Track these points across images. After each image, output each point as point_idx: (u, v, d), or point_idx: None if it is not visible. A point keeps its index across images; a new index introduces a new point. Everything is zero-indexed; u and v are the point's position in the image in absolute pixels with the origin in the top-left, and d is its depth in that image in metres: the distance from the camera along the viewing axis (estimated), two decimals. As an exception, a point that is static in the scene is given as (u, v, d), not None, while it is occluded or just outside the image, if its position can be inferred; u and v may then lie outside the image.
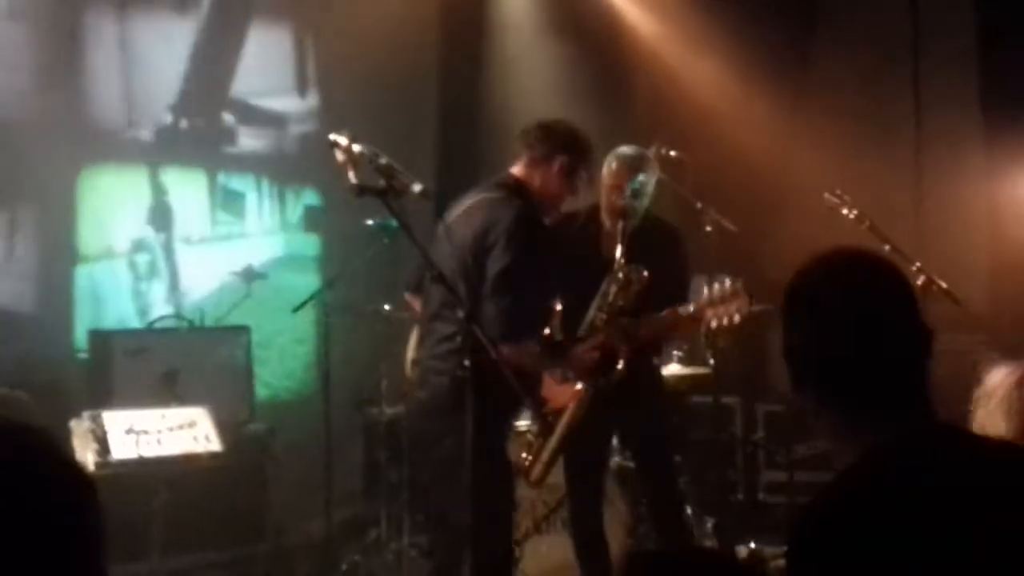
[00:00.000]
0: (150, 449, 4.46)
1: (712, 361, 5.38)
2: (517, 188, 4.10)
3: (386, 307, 5.76)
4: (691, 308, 4.29)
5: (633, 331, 4.33)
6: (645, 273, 4.33)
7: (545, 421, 3.84)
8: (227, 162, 6.91)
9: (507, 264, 3.86)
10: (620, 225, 4.41)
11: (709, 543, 5.36)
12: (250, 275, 6.42)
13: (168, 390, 5.29)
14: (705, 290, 4.23)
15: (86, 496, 1.43)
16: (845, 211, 5.38)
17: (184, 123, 6.64)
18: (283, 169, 7.12)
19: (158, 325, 6.00)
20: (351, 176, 3.56)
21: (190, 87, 6.62)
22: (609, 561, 4.67)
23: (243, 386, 5.90)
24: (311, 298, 5.95)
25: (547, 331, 4.14)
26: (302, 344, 6.97)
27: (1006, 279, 6.53)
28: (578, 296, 4.44)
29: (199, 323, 6.10)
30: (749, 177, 6.49)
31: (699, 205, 5.33)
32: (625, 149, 4.66)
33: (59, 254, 6.17)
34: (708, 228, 5.30)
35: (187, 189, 6.70)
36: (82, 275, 6.23)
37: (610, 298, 4.35)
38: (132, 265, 6.42)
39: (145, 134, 6.50)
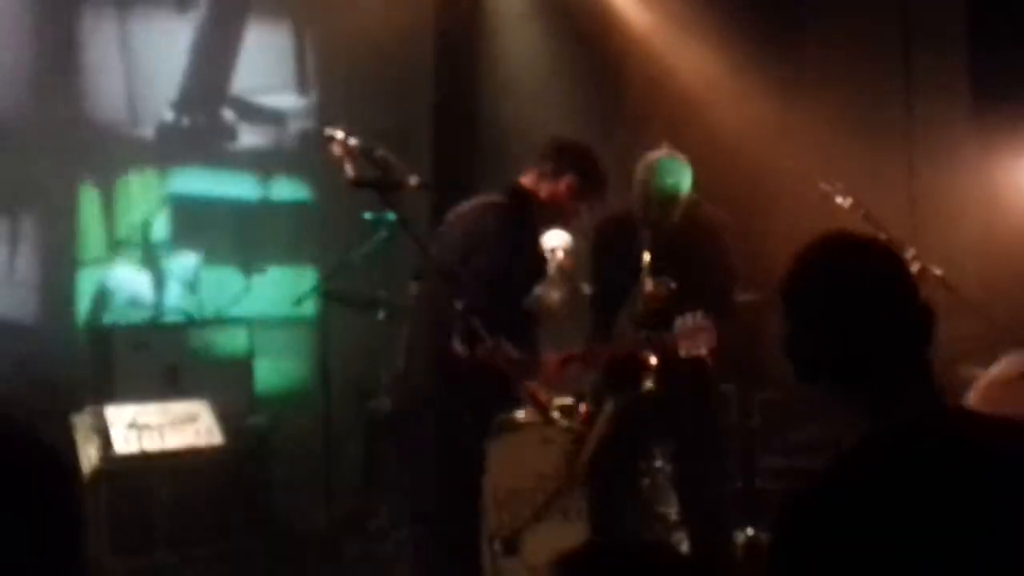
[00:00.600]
0: (152, 443, 4.51)
1: None
2: (522, 196, 4.14)
3: (385, 299, 5.79)
4: (664, 337, 4.29)
5: (660, 343, 4.35)
6: (673, 285, 4.32)
7: (542, 407, 3.87)
8: (227, 159, 6.94)
9: (488, 266, 3.90)
10: (648, 235, 4.44)
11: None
12: (249, 269, 6.45)
13: (169, 384, 5.33)
14: (679, 321, 4.23)
15: (62, 480, 1.44)
16: (839, 200, 5.39)
17: (185, 120, 6.67)
18: (282, 165, 7.14)
19: (159, 320, 6.03)
20: (348, 169, 3.59)
21: (190, 84, 6.65)
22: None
23: (244, 379, 5.93)
24: (311, 291, 6.00)
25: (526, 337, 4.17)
26: (302, 337, 7.00)
27: (1000, 266, 6.54)
28: (616, 302, 4.53)
29: (199, 317, 6.13)
30: (742, 167, 6.51)
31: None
32: (653, 155, 4.63)
33: (61, 251, 6.20)
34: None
35: (186, 186, 6.73)
36: (84, 271, 6.26)
37: (638, 310, 4.38)
38: (133, 260, 6.45)
39: (146, 132, 6.53)
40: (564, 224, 4.35)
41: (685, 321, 4.20)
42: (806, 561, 1.76)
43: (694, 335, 4.18)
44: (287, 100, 7.23)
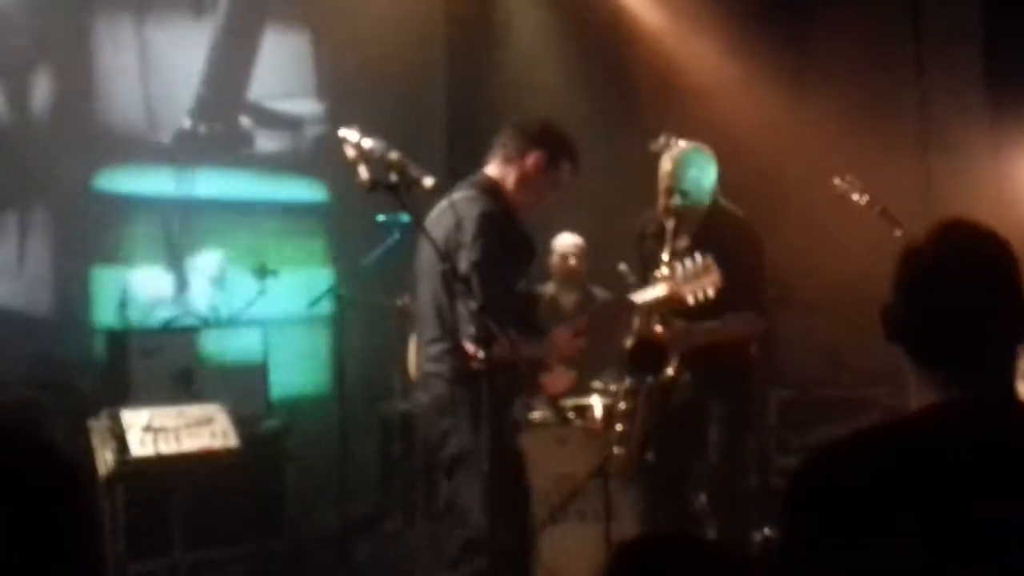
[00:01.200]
0: (168, 446, 4.50)
1: None
2: (489, 187, 4.07)
3: (399, 302, 5.79)
4: (664, 289, 4.27)
5: (685, 334, 4.35)
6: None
7: (559, 411, 3.86)
8: (242, 162, 6.96)
9: (474, 260, 3.85)
10: (671, 225, 4.44)
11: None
12: (263, 272, 6.45)
13: (184, 388, 5.33)
14: (679, 268, 4.23)
15: (80, 485, 1.44)
16: (855, 196, 5.38)
17: (202, 127, 6.70)
18: (296, 167, 7.16)
19: (173, 324, 6.04)
20: (362, 171, 3.58)
21: (207, 91, 6.68)
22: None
23: (258, 382, 5.94)
24: (325, 294, 6.00)
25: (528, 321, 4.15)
26: (316, 340, 7.00)
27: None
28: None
29: (214, 321, 6.14)
30: (753, 163, 6.49)
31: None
32: (678, 148, 4.63)
33: (75, 256, 6.22)
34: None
35: (204, 190, 6.75)
36: (98, 276, 6.27)
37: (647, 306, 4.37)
38: (148, 265, 6.46)
39: (163, 137, 6.56)
40: (542, 200, 4.24)
41: (686, 265, 4.17)
42: (820, 507, 1.76)
43: (700, 277, 4.15)
44: (301, 105, 7.25)
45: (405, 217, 4.61)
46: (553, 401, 3.78)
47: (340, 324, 5.94)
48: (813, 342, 6.58)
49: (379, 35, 7.05)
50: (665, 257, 4.40)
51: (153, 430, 4.52)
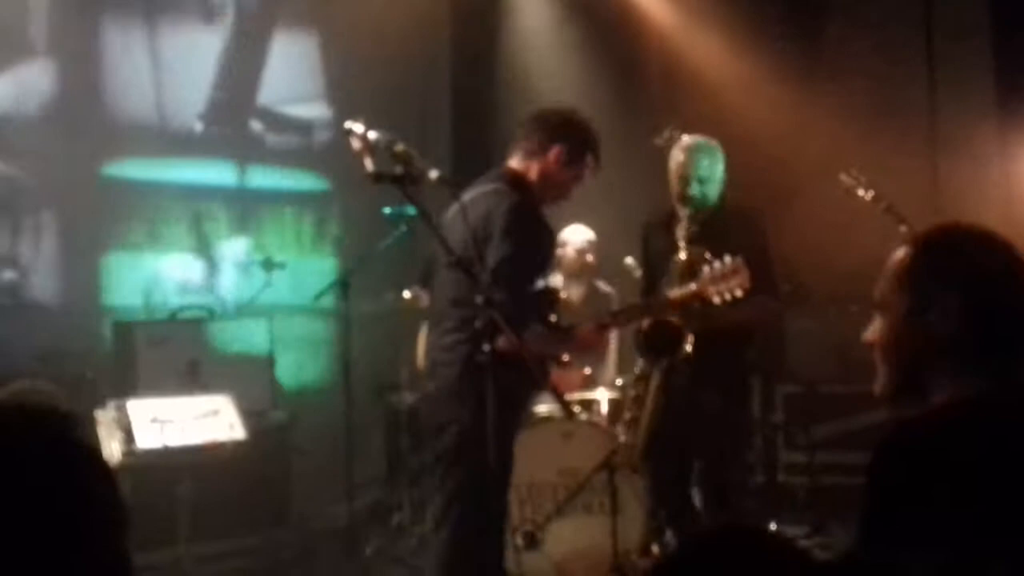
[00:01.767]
0: (175, 437, 4.50)
1: None
2: (513, 181, 4.04)
3: (405, 294, 5.78)
4: (693, 287, 4.28)
5: (700, 313, 4.35)
6: (708, 253, 4.36)
7: (567, 407, 3.84)
8: (253, 159, 6.98)
9: (504, 255, 3.82)
10: (685, 213, 4.45)
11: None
12: (270, 265, 6.47)
13: (191, 379, 5.34)
14: (706, 268, 4.24)
15: (105, 480, 1.44)
16: (861, 192, 5.36)
17: (213, 130, 6.73)
18: (302, 159, 7.17)
19: (180, 315, 6.04)
20: (368, 163, 3.56)
21: (218, 95, 6.71)
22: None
23: (265, 374, 5.94)
24: (331, 286, 6.00)
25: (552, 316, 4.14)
26: (322, 332, 7.01)
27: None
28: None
29: (221, 313, 6.15)
30: (763, 158, 6.47)
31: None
32: (688, 139, 4.68)
33: (84, 248, 6.24)
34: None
35: (213, 185, 6.78)
36: (106, 268, 6.29)
37: (675, 281, 4.39)
38: (156, 257, 6.48)
39: (173, 139, 6.59)
40: (565, 194, 4.20)
41: (715, 266, 4.19)
42: (909, 482, 1.78)
43: (729, 278, 4.16)
44: (309, 104, 7.27)
45: (411, 209, 4.60)
46: (559, 395, 3.75)
47: (346, 316, 5.93)
48: (821, 338, 6.55)
49: (385, 32, 7.05)
50: (682, 244, 4.43)
51: (160, 421, 4.53)
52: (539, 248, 4.00)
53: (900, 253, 2.00)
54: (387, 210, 5.73)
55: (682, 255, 4.43)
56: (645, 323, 4.49)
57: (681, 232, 4.53)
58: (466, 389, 3.81)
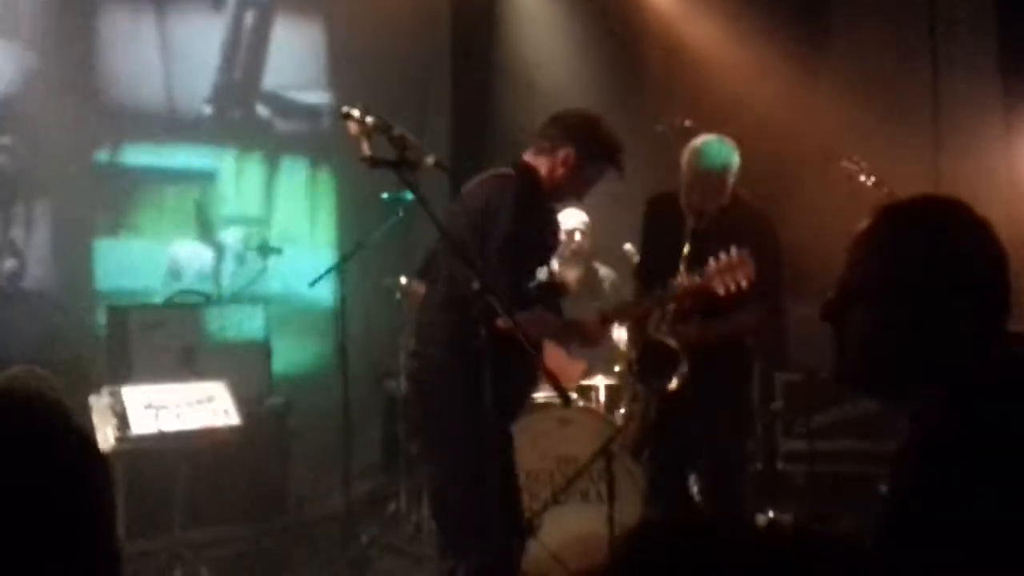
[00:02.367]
0: (170, 424, 4.47)
1: None
2: (521, 171, 4.02)
3: (402, 280, 5.75)
4: (697, 279, 4.24)
5: (697, 341, 4.32)
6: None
7: (563, 393, 3.80)
8: (248, 142, 6.95)
9: (507, 232, 3.79)
10: (692, 216, 4.39)
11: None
12: (266, 250, 6.43)
13: (186, 365, 5.31)
14: (711, 261, 4.19)
15: (96, 469, 1.42)
16: (863, 178, 5.34)
17: (215, 116, 6.71)
18: (298, 145, 7.14)
19: (175, 300, 6.00)
20: (365, 148, 3.53)
21: (223, 79, 6.70)
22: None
23: (261, 360, 5.91)
24: (328, 272, 5.96)
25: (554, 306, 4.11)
26: (319, 318, 6.98)
27: (1026, 248, 6.47)
28: (657, 276, 4.52)
29: (216, 298, 6.11)
30: (765, 146, 6.42)
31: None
32: (700, 139, 4.58)
33: (78, 233, 6.20)
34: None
35: (213, 170, 6.75)
36: (100, 253, 6.26)
37: (671, 303, 4.34)
38: (152, 243, 6.45)
39: (172, 124, 6.55)
40: (574, 197, 4.18)
41: (721, 258, 4.13)
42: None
43: (735, 269, 4.11)
44: (310, 91, 7.25)
45: (409, 195, 4.57)
46: (555, 381, 3.71)
47: (343, 302, 5.90)
48: (821, 326, 6.51)
49: (386, 19, 7.02)
50: (689, 238, 4.37)
51: (154, 407, 4.50)
52: (542, 232, 3.97)
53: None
54: (384, 195, 5.71)
55: (683, 280, 4.34)
56: (639, 346, 4.43)
57: (689, 227, 4.43)
58: (456, 371, 3.78)
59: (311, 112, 7.24)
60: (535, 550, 4.98)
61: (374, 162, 3.49)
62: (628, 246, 5.39)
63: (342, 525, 5.98)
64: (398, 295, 5.80)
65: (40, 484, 1.34)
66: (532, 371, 3.78)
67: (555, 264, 6.15)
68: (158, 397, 4.52)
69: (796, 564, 1.20)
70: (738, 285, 4.12)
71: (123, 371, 5.32)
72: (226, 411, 4.61)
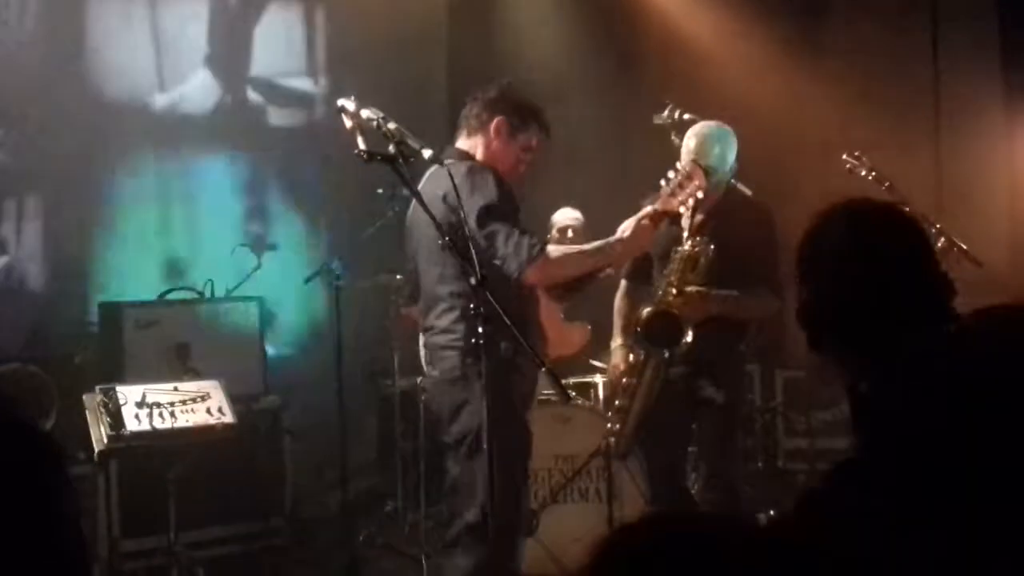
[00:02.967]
0: (164, 422, 4.42)
1: None
2: (463, 158, 3.96)
3: (398, 276, 5.70)
4: (654, 207, 4.00)
5: (701, 301, 4.27)
6: (712, 247, 4.28)
7: (562, 390, 3.75)
8: (241, 136, 6.89)
9: (484, 203, 3.73)
10: (692, 201, 4.34)
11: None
12: (261, 246, 6.38)
13: (180, 362, 5.26)
14: (661, 183, 4.01)
15: (54, 468, 1.38)
16: (863, 173, 5.30)
17: (207, 102, 6.65)
18: (293, 140, 7.08)
19: (169, 297, 5.95)
20: (360, 142, 3.49)
21: (212, 66, 6.65)
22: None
23: (255, 358, 5.85)
24: (322, 269, 5.92)
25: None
26: (314, 316, 6.94)
27: (1026, 243, 6.44)
28: (650, 267, 4.51)
29: (210, 295, 6.06)
30: (765, 138, 6.40)
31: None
32: (700, 126, 4.53)
33: (72, 228, 6.15)
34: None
35: (204, 164, 6.70)
36: (94, 249, 6.21)
37: (675, 270, 4.30)
38: (144, 237, 6.40)
39: (166, 119, 6.50)
40: (517, 169, 4.04)
41: (669, 177, 3.97)
42: None
43: (685, 184, 3.96)
44: (302, 79, 7.20)
45: (404, 191, 4.51)
46: (555, 378, 3.66)
47: (338, 299, 5.85)
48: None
49: (381, 7, 6.97)
50: (686, 234, 4.32)
51: (148, 406, 4.45)
52: (509, 196, 3.87)
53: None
54: (380, 191, 5.66)
55: (686, 246, 4.30)
56: (644, 313, 4.38)
57: (686, 221, 4.38)
58: (469, 367, 3.76)
59: (304, 102, 7.18)
60: (533, 548, 4.94)
61: (370, 157, 3.45)
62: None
63: (338, 524, 5.94)
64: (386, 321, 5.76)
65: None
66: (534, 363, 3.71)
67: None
68: (152, 395, 4.47)
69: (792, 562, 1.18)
70: (695, 198, 3.98)
71: (117, 369, 5.27)
72: (220, 409, 4.56)
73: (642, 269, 4.64)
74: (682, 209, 4.04)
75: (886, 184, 5.21)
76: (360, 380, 6.39)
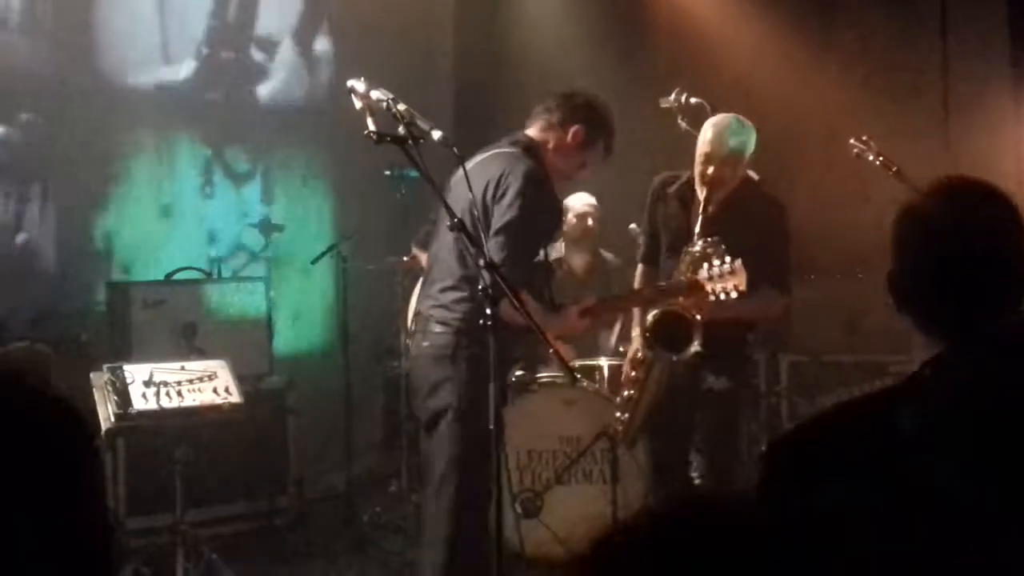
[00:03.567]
0: (170, 401, 4.43)
1: None
2: (529, 147, 4.04)
3: (404, 258, 5.71)
4: (689, 277, 4.20)
5: (710, 305, 4.25)
6: (723, 246, 4.24)
7: (570, 372, 3.77)
8: (248, 110, 6.88)
9: (512, 218, 3.80)
10: (704, 195, 4.34)
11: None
12: (268, 227, 6.39)
13: (187, 342, 5.27)
14: (705, 267, 4.15)
15: (79, 444, 1.39)
16: (871, 158, 5.30)
17: (214, 81, 6.64)
18: (302, 120, 7.06)
19: (176, 277, 5.96)
20: (369, 123, 3.49)
21: (216, 24, 6.63)
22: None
23: (261, 338, 5.86)
24: (329, 250, 5.93)
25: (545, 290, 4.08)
26: (320, 296, 6.94)
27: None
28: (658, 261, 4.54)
29: (217, 275, 6.07)
30: (773, 125, 6.38)
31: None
32: (718, 117, 4.51)
33: (80, 206, 6.15)
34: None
35: (213, 143, 6.69)
36: (103, 227, 6.21)
37: (686, 271, 4.29)
38: (152, 216, 6.40)
39: (173, 97, 6.48)
40: (571, 176, 4.23)
41: (714, 264, 4.12)
42: None
43: (726, 279, 4.09)
44: (308, 62, 7.17)
45: (412, 172, 4.52)
46: (562, 359, 3.68)
47: (344, 280, 5.86)
48: (827, 307, 6.48)
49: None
50: (697, 232, 4.31)
51: (155, 384, 4.46)
52: (547, 217, 4.01)
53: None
54: (388, 172, 5.66)
55: (697, 247, 4.29)
56: (652, 316, 4.38)
57: (697, 217, 4.38)
58: (461, 349, 3.80)
59: (311, 81, 7.16)
60: (537, 530, 4.96)
61: (380, 138, 3.46)
62: (633, 226, 5.34)
63: (343, 503, 5.96)
64: (399, 273, 5.75)
65: (18, 460, 1.32)
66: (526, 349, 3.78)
67: (562, 248, 6.16)
68: (159, 374, 4.48)
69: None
70: (727, 294, 4.10)
71: (124, 348, 5.28)
72: (227, 389, 4.57)
73: (658, 253, 4.65)
74: (711, 297, 4.13)
75: (894, 168, 5.21)
76: (366, 360, 6.41)
